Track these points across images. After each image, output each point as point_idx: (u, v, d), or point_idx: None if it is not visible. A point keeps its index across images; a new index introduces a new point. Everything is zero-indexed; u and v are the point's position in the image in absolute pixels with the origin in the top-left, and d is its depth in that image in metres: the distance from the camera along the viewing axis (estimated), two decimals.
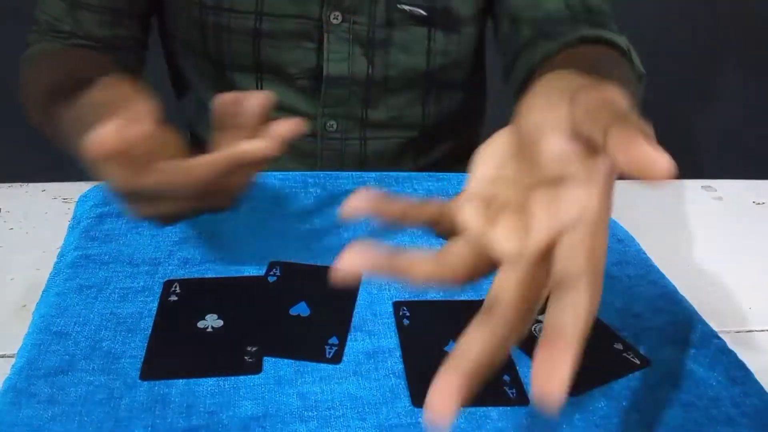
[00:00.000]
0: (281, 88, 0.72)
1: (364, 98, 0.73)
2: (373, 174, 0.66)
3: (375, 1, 0.68)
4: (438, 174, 0.67)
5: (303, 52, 0.70)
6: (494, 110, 0.87)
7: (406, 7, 0.69)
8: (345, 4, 0.68)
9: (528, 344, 0.47)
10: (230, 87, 0.73)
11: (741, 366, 0.46)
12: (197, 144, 0.81)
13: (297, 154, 0.75)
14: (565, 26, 0.66)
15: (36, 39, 0.70)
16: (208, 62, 0.73)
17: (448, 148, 0.81)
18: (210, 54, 0.72)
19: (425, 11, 0.69)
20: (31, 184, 0.65)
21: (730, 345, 0.48)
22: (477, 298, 0.51)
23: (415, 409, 0.42)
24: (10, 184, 0.65)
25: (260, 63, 0.71)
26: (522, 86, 0.67)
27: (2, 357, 0.46)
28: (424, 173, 0.67)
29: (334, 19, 0.68)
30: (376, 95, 0.73)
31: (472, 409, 0.42)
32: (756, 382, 0.45)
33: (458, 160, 0.82)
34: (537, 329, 0.49)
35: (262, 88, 0.72)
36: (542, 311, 0.50)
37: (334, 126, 0.74)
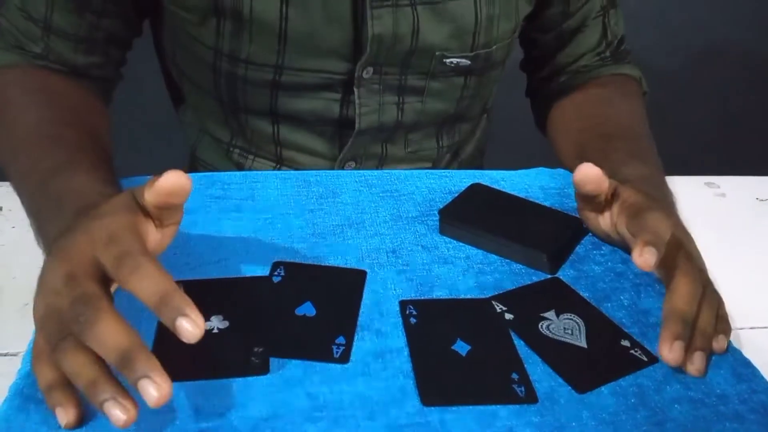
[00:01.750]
0: (299, 133, 0.70)
1: (386, 139, 0.72)
2: (375, 172, 0.66)
3: (411, 54, 0.65)
4: (439, 171, 0.67)
5: (325, 103, 0.68)
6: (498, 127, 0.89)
7: (455, 60, 0.67)
8: (380, 59, 0.65)
9: (536, 343, 0.47)
10: (242, 125, 0.70)
11: (747, 363, 0.46)
12: (197, 168, 0.78)
13: None
14: (594, 69, 0.76)
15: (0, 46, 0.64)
16: (219, 103, 0.70)
17: (455, 167, 0.81)
18: (221, 96, 0.68)
19: (470, 60, 0.67)
20: None
21: (733, 342, 0.48)
22: (482, 296, 0.51)
23: (425, 409, 0.42)
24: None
25: (277, 111, 0.68)
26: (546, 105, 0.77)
27: (5, 355, 0.45)
28: (425, 171, 0.67)
29: (365, 73, 0.65)
30: (399, 135, 0.72)
31: (481, 408, 0.42)
32: (762, 379, 0.45)
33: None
34: (543, 326, 0.49)
35: (279, 132, 0.70)
36: (556, 312, 0.50)
37: (353, 165, 0.72)
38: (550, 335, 0.48)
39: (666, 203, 0.56)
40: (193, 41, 0.66)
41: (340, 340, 0.46)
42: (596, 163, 0.51)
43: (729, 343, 0.48)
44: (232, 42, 0.63)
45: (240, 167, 0.74)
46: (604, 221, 0.55)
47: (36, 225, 0.51)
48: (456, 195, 0.61)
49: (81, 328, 0.37)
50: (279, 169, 0.72)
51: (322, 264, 0.53)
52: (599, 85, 0.74)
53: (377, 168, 0.74)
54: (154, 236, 0.44)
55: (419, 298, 0.50)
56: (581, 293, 0.52)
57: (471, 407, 0.42)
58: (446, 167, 0.80)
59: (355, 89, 0.66)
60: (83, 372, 0.37)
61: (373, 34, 0.63)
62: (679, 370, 0.45)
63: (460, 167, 0.82)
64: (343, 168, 0.72)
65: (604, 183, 0.51)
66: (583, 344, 0.47)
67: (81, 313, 0.37)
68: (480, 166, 0.86)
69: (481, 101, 0.77)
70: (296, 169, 0.72)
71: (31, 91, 0.62)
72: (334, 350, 0.45)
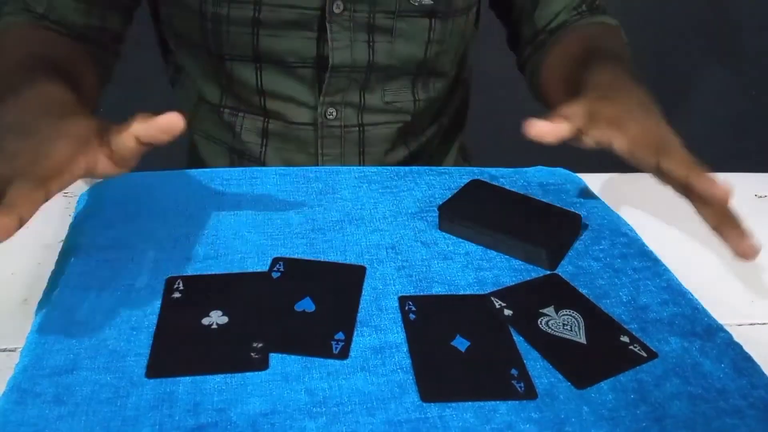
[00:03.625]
0: (281, 78, 0.72)
1: (363, 85, 0.73)
2: (374, 168, 0.66)
3: None
4: (438, 168, 0.67)
5: (303, 42, 0.70)
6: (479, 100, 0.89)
7: (416, 1, 0.69)
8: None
9: (536, 339, 0.47)
10: (229, 78, 0.72)
11: (747, 358, 0.46)
12: (195, 149, 0.80)
13: (298, 143, 0.74)
14: (572, 23, 0.77)
15: (9, 11, 0.68)
16: (207, 54, 0.72)
17: (434, 132, 0.82)
18: (209, 45, 0.71)
19: (432, 0, 0.70)
20: None
21: (734, 337, 0.48)
22: (482, 292, 0.51)
23: (424, 404, 0.42)
24: None
25: (259, 53, 0.70)
26: (533, 49, 0.79)
27: (4, 351, 0.45)
28: (424, 167, 0.67)
29: (335, 8, 0.68)
30: (374, 82, 0.73)
31: (481, 403, 0.42)
32: (763, 374, 0.45)
33: (443, 142, 0.85)
34: (543, 322, 0.49)
35: (261, 78, 0.72)
36: (555, 308, 0.50)
37: (334, 114, 0.74)
38: (550, 331, 0.48)
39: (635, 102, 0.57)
40: None
41: (340, 335, 0.46)
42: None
43: (730, 336, 0.48)
44: None
45: (231, 127, 0.75)
46: (588, 140, 0.55)
47: None
48: (455, 191, 0.61)
49: None
50: (266, 125, 0.74)
51: (322, 260, 0.53)
52: (578, 30, 0.76)
53: (359, 123, 0.75)
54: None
55: (418, 294, 0.50)
56: (580, 289, 0.52)
57: (470, 403, 0.42)
58: (430, 126, 0.81)
59: (327, 24, 0.68)
60: None
61: None
62: (679, 364, 0.45)
63: (444, 136, 0.83)
64: (324, 117, 0.73)
65: (561, 130, 0.53)
66: (582, 340, 0.47)
67: None
68: (463, 145, 0.88)
69: (451, 55, 0.78)
70: (281, 121, 0.74)
71: (24, 40, 0.65)
72: (334, 346, 0.45)
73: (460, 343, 0.46)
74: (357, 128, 0.75)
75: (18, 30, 0.67)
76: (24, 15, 0.67)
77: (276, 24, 0.69)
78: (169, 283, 0.50)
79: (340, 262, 0.53)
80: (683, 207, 0.56)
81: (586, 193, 0.65)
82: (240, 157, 0.77)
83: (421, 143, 0.81)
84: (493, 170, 0.66)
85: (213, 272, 0.51)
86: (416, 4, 0.70)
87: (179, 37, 0.75)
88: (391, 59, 0.72)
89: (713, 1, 1.80)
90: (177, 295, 0.49)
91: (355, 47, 0.70)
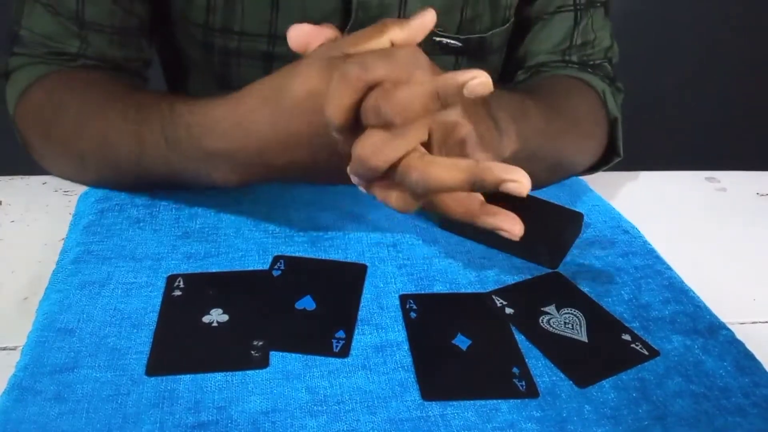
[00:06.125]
0: None
1: None
2: None
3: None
4: None
5: None
6: None
7: (443, 40, 0.65)
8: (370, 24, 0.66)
9: (537, 337, 0.47)
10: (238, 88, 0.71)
11: (750, 356, 0.46)
12: None
13: None
14: (555, 69, 0.69)
15: (24, 62, 0.62)
16: (213, 80, 0.69)
17: None
18: (215, 73, 0.68)
19: (461, 42, 0.66)
20: (31, 177, 0.64)
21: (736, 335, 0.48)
22: (483, 291, 0.51)
23: (425, 403, 0.42)
24: (10, 177, 0.64)
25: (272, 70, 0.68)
26: None
27: (4, 350, 0.45)
28: None
29: None
30: None
31: (482, 402, 0.42)
32: (765, 372, 0.45)
33: None
34: (544, 320, 0.48)
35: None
36: (557, 306, 0.50)
37: None
38: (551, 329, 0.48)
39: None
40: (184, 21, 0.65)
41: (340, 334, 0.46)
42: None
43: (732, 334, 0.48)
44: (225, 14, 0.63)
45: None
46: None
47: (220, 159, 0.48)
48: None
49: None
50: None
51: (322, 258, 0.53)
52: (549, 82, 0.67)
53: None
54: None
55: (419, 292, 0.50)
56: (582, 287, 0.52)
57: (471, 402, 0.42)
58: None
59: None
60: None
61: (358, 0, 0.63)
62: (681, 363, 0.45)
63: None
64: None
65: None
66: (584, 338, 0.47)
67: None
68: None
69: None
70: None
71: (79, 85, 0.59)
72: (334, 344, 0.45)
73: (462, 342, 0.46)
74: None
75: (60, 79, 0.60)
76: (50, 62, 0.61)
77: (291, 57, 0.66)
78: (170, 281, 0.50)
79: (340, 260, 0.53)
80: (685, 205, 0.56)
81: (587, 191, 0.64)
82: None
83: None
84: None
85: (214, 270, 0.51)
86: (443, 42, 0.65)
87: (184, 58, 0.72)
88: None
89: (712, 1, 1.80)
90: (177, 292, 0.49)
91: None
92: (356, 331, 0.46)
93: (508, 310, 0.49)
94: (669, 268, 0.54)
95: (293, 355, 0.44)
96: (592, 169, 0.69)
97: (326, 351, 0.45)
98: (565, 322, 0.48)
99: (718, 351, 0.46)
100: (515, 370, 0.44)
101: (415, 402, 0.42)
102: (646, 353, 0.46)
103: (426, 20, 0.43)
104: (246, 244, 0.54)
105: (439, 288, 0.51)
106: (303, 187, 0.62)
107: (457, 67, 0.69)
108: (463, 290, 0.51)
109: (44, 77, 0.61)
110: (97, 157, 0.56)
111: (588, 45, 0.69)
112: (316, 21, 0.64)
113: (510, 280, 0.52)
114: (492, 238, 0.56)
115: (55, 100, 0.59)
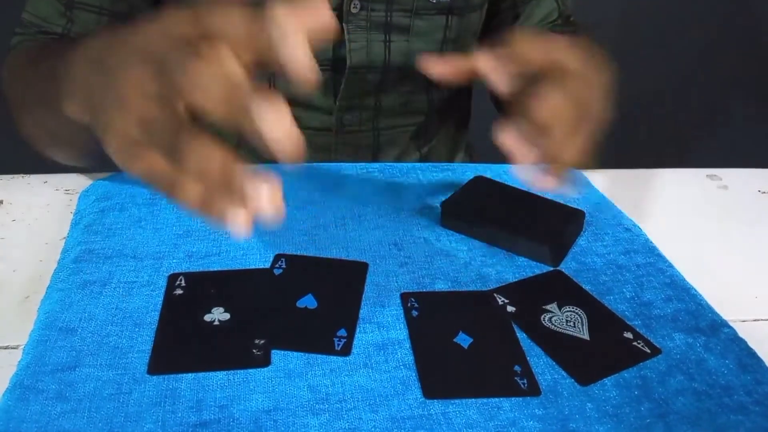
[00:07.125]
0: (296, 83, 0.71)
1: (378, 87, 0.73)
2: (377, 165, 0.66)
3: None
4: (441, 164, 0.67)
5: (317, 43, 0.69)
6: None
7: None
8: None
9: (539, 335, 0.47)
10: None
11: (752, 354, 0.46)
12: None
13: (313, 149, 0.74)
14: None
15: (20, 41, 0.65)
16: None
17: (443, 134, 0.82)
18: None
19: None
20: (33, 176, 0.64)
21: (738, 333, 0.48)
22: (484, 289, 0.51)
23: (427, 401, 0.41)
24: (11, 176, 0.64)
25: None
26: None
27: (6, 348, 0.45)
28: (427, 164, 0.67)
29: (353, 8, 0.67)
30: (388, 82, 0.73)
31: (484, 400, 0.42)
32: (767, 370, 0.45)
33: (451, 147, 0.84)
34: (546, 318, 0.48)
35: (274, 84, 0.70)
36: (558, 304, 0.50)
37: (349, 119, 0.73)
38: (553, 328, 0.48)
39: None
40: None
41: (342, 332, 0.46)
42: None
43: (734, 331, 0.48)
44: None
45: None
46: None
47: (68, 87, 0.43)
48: (458, 187, 0.60)
49: None
50: None
51: (324, 256, 0.53)
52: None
53: (374, 127, 0.74)
54: None
55: (421, 290, 0.50)
56: (583, 286, 0.52)
57: (473, 400, 0.42)
58: (440, 129, 0.80)
59: (344, 24, 0.67)
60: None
61: None
62: (683, 360, 0.45)
63: (452, 138, 0.83)
64: (341, 125, 0.72)
65: (440, 65, 0.50)
66: (586, 336, 0.47)
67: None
68: (470, 144, 0.87)
69: (464, 52, 0.76)
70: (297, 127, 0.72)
71: (35, 47, 0.61)
72: (336, 343, 0.45)
73: (463, 340, 0.46)
74: (371, 132, 0.74)
75: (38, 42, 0.63)
76: (40, 36, 0.64)
77: None
78: (171, 280, 0.50)
79: (342, 258, 0.53)
80: (686, 203, 0.56)
81: (589, 189, 0.64)
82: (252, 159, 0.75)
83: (432, 146, 0.80)
84: (496, 166, 0.66)
85: (215, 269, 0.51)
86: (434, 1, 0.69)
87: None
88: (406, 58, 0.72)
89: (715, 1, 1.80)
90: (179, 291, 0.49)
91: (371, 47, 0.70)
92: (358, 330, 0.46)
93: (510, 308, 0.49)
94: (671, 265, 0.54)
95: (295, 353, 0.44)
96: None
97: (328, 349, 0.45)
98: (566, 320, 0.48)
99: (720, 349, 0.46)
100: (517, 368, 0.44)
101: (417, 400, 0.42)
102: (648, 351, 0.46)
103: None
104: (247, 243, 0.54)
105: (440, 286, 0.51)
106: (305, 185, 0.62)
107: (446, 28, 0.72)
108: (464, 288, 0.51)
109: (26, 47, 0.63)
110: (33, 107, 0.56)
111: (567, 13, 0.77)
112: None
113: (511, 278, 0.52)
114: (493, 237, 0.56)
115: (12, 66, 0.62)
